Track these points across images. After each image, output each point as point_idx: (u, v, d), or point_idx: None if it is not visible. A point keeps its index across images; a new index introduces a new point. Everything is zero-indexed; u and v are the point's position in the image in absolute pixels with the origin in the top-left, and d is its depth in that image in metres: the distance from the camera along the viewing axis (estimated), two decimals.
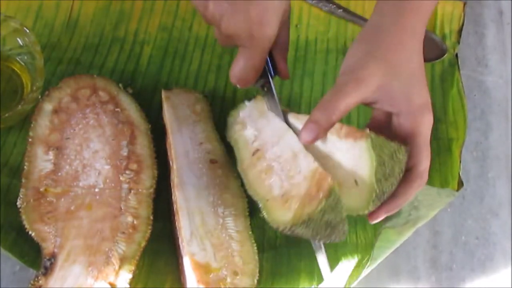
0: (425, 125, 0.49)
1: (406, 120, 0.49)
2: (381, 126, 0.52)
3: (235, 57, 0.53)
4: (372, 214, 0.50)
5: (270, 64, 0.55)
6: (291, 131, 0.55)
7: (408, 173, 0.49)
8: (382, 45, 0.49)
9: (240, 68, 0.53)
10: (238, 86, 0.54)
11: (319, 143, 0.52)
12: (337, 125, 0.50)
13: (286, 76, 0.57)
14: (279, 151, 0.55)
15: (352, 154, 0.49)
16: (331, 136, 0.50)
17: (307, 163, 0.51)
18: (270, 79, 0.56)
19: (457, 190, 0.62)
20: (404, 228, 0.58)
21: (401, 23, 0.50)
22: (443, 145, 0.66)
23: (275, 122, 0.57)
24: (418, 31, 0.51)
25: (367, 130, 0.47)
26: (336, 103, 0.47)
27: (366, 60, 0.48)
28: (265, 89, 0.57)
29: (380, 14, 0.52)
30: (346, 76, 0.49)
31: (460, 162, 0.63)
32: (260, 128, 0.58)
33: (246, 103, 0.61)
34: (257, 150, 0.57)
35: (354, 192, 0.49)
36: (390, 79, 0.48)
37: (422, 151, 0.49)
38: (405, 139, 0.50)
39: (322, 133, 0.48)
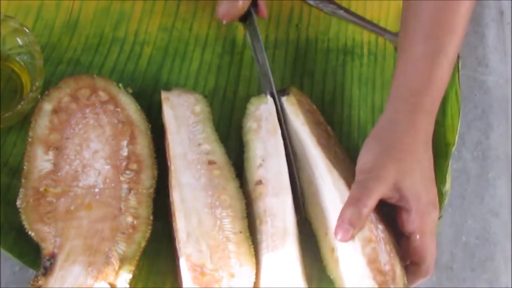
0: (429, 223, 0.53)
1: (414, 217, 0.52)
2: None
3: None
4: None
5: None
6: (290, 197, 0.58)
7: (414, 267, 0.53)
8: (397, 145, 0.53)
9: (226, 5, 0.62)
10: (223, 21, 0.64)
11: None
12: None
13: (263, 15, 0.66)
14: (274, 209, 0.57)
15: None
16: None
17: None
18: (253, 13, 0.65)
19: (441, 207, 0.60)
20: None
21: (414, 122, 0.54)
22: (439, 150, 0.65)
23: (281, 161, 0.59)
24: (429, 129, 0.55)
25: None
26: (365, 200, 0.51)
27: (384, 160, 0.53)
28: (248, 22, 0.66)
29: (393, 111, 0.55)
30: (366, 174, 0.52)
31: (447, 173, 0.62)
32: (267, 155, 0.60)
33: (269, 97, 0.63)
34: (260, 181, 0.59)
35: None
36: (404, 178, 0.52)
37: (427, 249, 0.52)
38: (411, 234, 0.53)
39: (356, 232, 0.51)
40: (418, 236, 0.53)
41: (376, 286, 0.53)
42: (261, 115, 0.62)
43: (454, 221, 0.66)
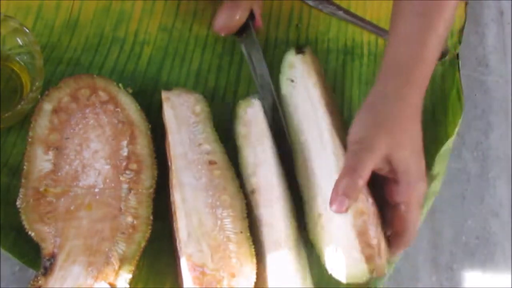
0: (417, 195, 0.53)
1: (402, 189, 0.53)
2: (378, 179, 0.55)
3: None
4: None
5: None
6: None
7: (396, 237, 0.54)
8: (388, 118, 0.54)
9: (224, 18, 0.65)
10: (221, 34, 0.66)
11: None
12: None
13: (259, 25, 0.68)
14: (268, 220, 0.58)
15: None
16: None
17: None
18: (251, 25, 0.66)
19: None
20: None
21: (404, 96, 0.54)
22: (441, 147, 0.66)
23: (271, 169, 0.60)
24: (419, 103, 0.55)
25: None
26: (360, 171, 0.51)
27: (375, 131, 0.53)
28: (244, 35, 0.67)
29: (384, 85, 0.56)
30: (359, 144, 0.53)
31: (445, 157, 0.62)
32: (258, 162, 0.60)
33: (253, 100, 0.63)
34: (253, 190, 0.59)
35: None
36: (395, 151, 0.52)
37: (411, 220, 0.53)
38: (397, 205, 0.54)
39: (351, 204, 0.51)
40: (403, 207, 0.53)
41: (364, 258, 0.54)
42: (250, 120, 0.63)
43: (454, 221, 0.66)
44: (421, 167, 0.54)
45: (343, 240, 0.56)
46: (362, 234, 0.55)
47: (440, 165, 0.62)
